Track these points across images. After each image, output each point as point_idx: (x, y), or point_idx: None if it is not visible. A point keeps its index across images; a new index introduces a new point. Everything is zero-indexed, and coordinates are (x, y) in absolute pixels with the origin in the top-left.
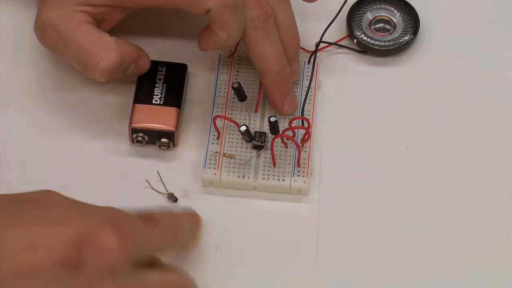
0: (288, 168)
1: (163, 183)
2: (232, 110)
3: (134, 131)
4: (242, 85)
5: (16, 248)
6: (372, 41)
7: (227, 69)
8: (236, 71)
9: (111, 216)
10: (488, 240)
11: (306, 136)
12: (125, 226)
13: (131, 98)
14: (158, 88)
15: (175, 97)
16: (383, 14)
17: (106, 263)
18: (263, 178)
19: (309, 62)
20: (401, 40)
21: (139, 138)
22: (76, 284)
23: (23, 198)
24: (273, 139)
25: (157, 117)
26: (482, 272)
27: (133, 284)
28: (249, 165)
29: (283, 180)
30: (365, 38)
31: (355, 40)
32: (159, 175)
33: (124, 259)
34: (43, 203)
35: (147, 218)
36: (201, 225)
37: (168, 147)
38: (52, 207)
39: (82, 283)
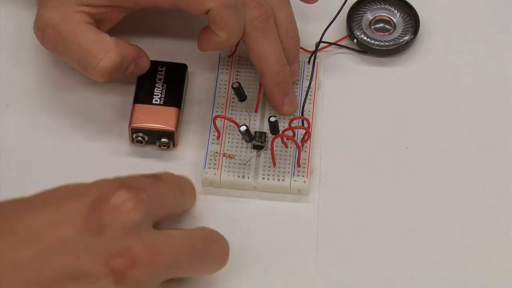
0: (288, 168)
1: None
2: (232, 110)
3: (134, 131)
4: (242, 85)
5: (37, 231)
6: (372, 41)
7: (227, 69)
8: (236, 71)
9: (120, 179)
10: (488, 240)
11: (306, 136)
12: (135, 183)
13: (131, 98)
14: (158, 88)
15: (175, 97)
16: (383, 14)
17: (127, 220)
18: (263, 178)
19: (309, 62)
20: (401, 40)
21: (139, 138)
22: (103, 247)
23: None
24: (273, 139)
25: (157, 117)
26: (482, 272)
27: (161, 240)
28: (249, 165)
29: (283, 180)
30: (365, 38)
31: (355, 40)
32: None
33: (143, 213)
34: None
35: (153, 176)
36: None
37: (168, 147)
38: (64, 185)
39: (109, 244)
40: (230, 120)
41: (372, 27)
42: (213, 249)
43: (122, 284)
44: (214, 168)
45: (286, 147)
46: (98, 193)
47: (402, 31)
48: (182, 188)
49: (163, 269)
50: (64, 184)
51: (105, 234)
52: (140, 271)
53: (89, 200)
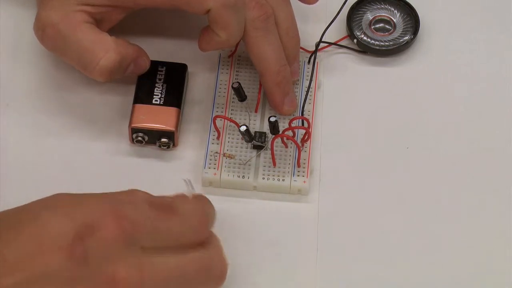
0: (288, 168)
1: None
2: (232, 110)
3: (134, 131)
4: (242, 85)
5: (24, 258)
6: (372, 41)
7: (227, 69)
8: (236, 71)
9: (113, 204)
10: (489, 240)
11: (306, 136)
12: (127, 211)
13: (131, 98)
14: (158, 88)
15: (175, 97)
16: (383, 14)
17: (111, 248)
18: (263, 178)
19: (309, 62)
20: (401, 40)
21: (139, 138)
22: (89, 277)
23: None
24: (273, 139)
25: (157, 117)
26: (482, 272)
27: (149, 267)
28: (249, 165)
29: (283, 180)
30: (365, 38)
31: (355, 40)
32: (190, 183)
33: (129, 243)
34: (45, 205)
35: (162, 207)
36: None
37: (168, 147)
38: (52, 206)
39: (94, 274)
40: (230, 120)
41: (372, 27)
42: (208, 276)
43: None
44: (214, 168)
45: (286, 147)
46: (83, 218)
47: (402, 31)
48: (203, 223)
49: None
50: (54, 195)
51: (90, 263)
52: None
53: (75, 225)
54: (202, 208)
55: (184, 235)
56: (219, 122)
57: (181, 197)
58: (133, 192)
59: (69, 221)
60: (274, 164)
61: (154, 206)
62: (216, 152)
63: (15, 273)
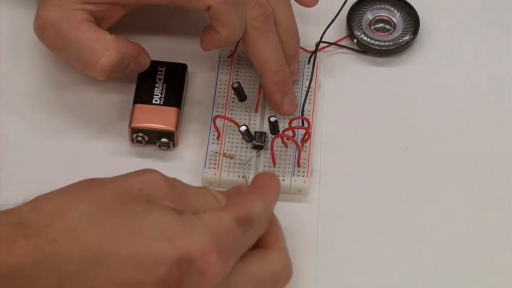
0: (288, 168)
1: None
2: (232, 110)
3: (134, 131)
4: (242, 85)
5: (118, 264)
6: (372, 41)
7: (227, 69)
8: (236, 71)
9: (213, 233)
10: (489, 240)
11: (306, 136)
12: (227, 243)
13: (131, 98)
14: (158, 88)
15: (175, 97)
16: (383, 14)
17: (207, 284)
18: None
19: (309, 62)
20: (401, 40)
21: (139, 138)
22: None
23: (126, 192)
24: (273, 139)
25: (157, 117)
26: (483, 271)
27: None
28: (249, 165)
29: (283, 180)
30: (365, 38)
31: (355, 40)
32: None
33: (224, 275)
34: (146, 208)
35: (246, 222)
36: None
37: (168, 147)
38: (155, 217)
39: None
40: (230, 120)
41: (372, 27)
42: (277, 285)
43: None
44: (214, 168)
45: (286, 147)
46: (187, 248)
47: (402, 31)
48: (266, 225)
49: None
50: (168, 187)
51: None
52: None
53: (177, 252)
54: (268, 207)
55: (256, 238)
56: (219, 122)
57: (253, 187)
58: (221, 213)
59: (171, 247)
60: (274, 164)
61: (241, 223)
62: (216, 152)
63: (108, 282)
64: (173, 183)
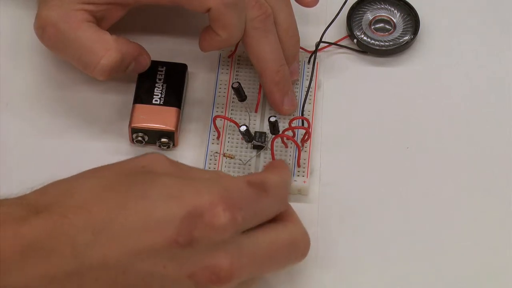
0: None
1: None
2: (232, 110)
3: (134, 131)
4: (242, 85)
5: (130, 232)
6: (372, 41)
7: (227, 69)
8: (236, 71)
9: (221, 188)
10: (489, 240)
11: (306, 136)
12: (236, 199)
13: (131, 98)
14: (158, 88)
15: (175, 97)
16: (383, 14)
17: (218, 237)
18: None
19: (309, 62)
20: (401, 40)
21: (139, 138)
22: (190, 260)
23: (130, 169)
24: (273, 139)
25: (157, 117)
26: (483, 272)
27: (247, 252)
28: (249, 165)
29: None
30: (365, 38)
31: (355, 40)
32: None
33: (235, 232)
34: (151, 176)
35: (259, 186)
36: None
37: (168, 147)
38: (160, 180)
39: (196, 258)
40: (230, 120)
41: (372, 27)
42: (295, 251)
43: None
44: (214, 168)
45: (286, 147)
46: (195, 203)
47: (402, 31)
48: (286, 199)
49: (245, 278)
50: (171, 164)
51: (193, 247)
52: (224, 285)
53: (185, 209)
54: (286, 179)
55: (273, 210)
56: (219, 122)
57: (267, 168)
58: (232, 178)
59: (179, 205)
60: None
61: (253, 187)
62: (216, 152)
63: (120, 244)
64: (176, 163)
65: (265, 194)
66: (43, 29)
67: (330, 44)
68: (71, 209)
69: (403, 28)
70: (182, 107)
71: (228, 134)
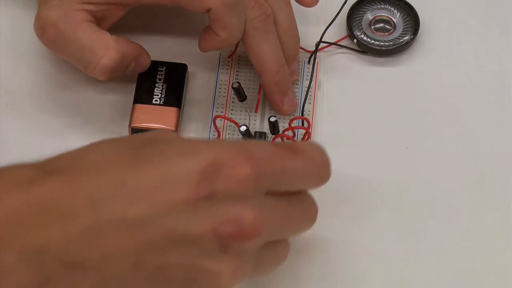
0: None
1: None
2: (232, 110)
3: (134, 131)
4: (242, 85)
5: (149, 188)
6: (372, 41)
7: (227, 69)
8: (236, 71)
9: (241, 144)
10: (489, 240)
11: (306, 136)
12: (258, 153)
13: (131, 97)
14: (158, 88)
15: (175, 97)
16: (383, 14)
17: (240, 190)
18: None
19: (309, 62)
20: (401, 40)
21: None
22: (213, 214)
23: (143, 137)
24: (273, 139)
25: (157, 117)
26: (483, 272)
27: (270, 210)
28: None
29: None
30: (365, 38)
31: (355, 40)
32: None
33: (258, 188)
34: (166, 140)
35: (286, 147)
36: None
37: None
38: (176, 141)
39: (218, 210)
40: (230, 120)
41: (372, 27)
42: (307, 216)
43: (226, 252)
44: None
45: None
46: (214, 157)
47: (402, 31)
48: (325, 169)
49: (267, 238)
50: (174, 139)
51: (214, 199)
52: (246, 242)
53: (203, 162)
54: (323, 150)
55: (308, 177)
56: (219, 122)
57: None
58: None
59: (197, 159)
60: None
61: (279, 146)
62: None
63: (141, 202)
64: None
65: (294, 156)
66: (43, 29)
67: (330, 44)
68: (85, 170)
69: (403, 28)
70: (182, 107)
71: (228, 134)
